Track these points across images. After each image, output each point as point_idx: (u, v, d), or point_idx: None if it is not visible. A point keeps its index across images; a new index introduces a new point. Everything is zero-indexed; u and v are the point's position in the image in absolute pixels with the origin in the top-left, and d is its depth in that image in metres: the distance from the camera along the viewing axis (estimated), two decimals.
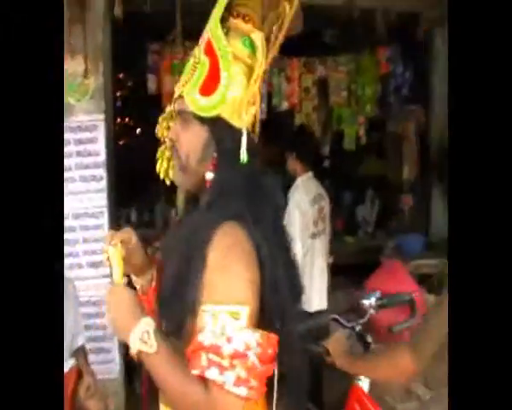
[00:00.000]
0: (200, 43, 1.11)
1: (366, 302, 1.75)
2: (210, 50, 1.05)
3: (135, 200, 3.91)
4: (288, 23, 1.10)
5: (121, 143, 4.46)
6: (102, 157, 2.96)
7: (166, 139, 1.24)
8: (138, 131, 4.83)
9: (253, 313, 0.93)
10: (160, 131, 2.21)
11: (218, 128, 1.03)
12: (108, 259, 1.05)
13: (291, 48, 3.52)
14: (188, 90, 1.04)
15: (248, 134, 1.07)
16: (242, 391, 0.87)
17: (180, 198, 2.10)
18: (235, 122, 1.05)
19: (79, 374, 1.99)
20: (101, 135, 2.95)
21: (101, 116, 2.95)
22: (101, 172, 2.96)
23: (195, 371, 0.88)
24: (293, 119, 3.73)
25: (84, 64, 2.88)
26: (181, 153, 1.07)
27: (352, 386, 1.70)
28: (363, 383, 1.67)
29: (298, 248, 2.68)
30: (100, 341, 2.92)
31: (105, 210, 2.98)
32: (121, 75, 3.99)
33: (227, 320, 0.89)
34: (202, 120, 1.03)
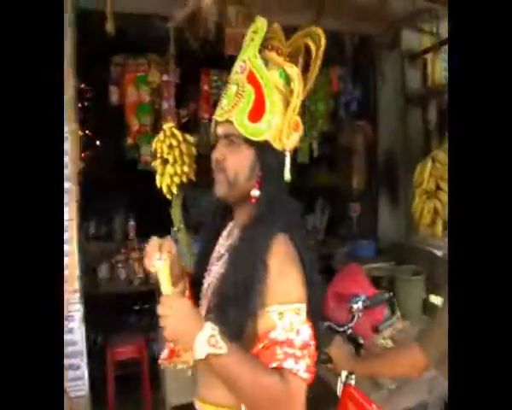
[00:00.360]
0: (236, 70, 1.22)
1: (355, 306, 1.93)
2: (253, 80, 1.17)
3: (94, 212, 3.83)
4: (320, 58, 1.25)
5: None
6: (71, 170, 2.90)
7: (213, 158, 1.23)
8: (98, 142, 4.74)
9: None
10: (160, 147, 2.29)
11: (263, 150, 1.16)
12: (157, 272, 1.12)
13: None
14: (236, 117, 1.15)
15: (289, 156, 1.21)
16: (309, 376, 1.02)
17: (176, 212, 2.20)
18: (277, 145, 1.18)
19: None
20: (69, 147, 2.89)
21: (72, 127, 2.90)
22: (69, 185, 2.90)
23: (273, 364, 1.00)
24: None
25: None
26: (229, 171, 1.18)
27: (344, 386, 1.84)
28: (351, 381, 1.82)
29: None
30: (69, 357, 2.85)
31: (74, 223, 2.93)
32: (82, 86, 3.90)
33: (293, 317, 1.03)
34: (250, 143, 1.16)
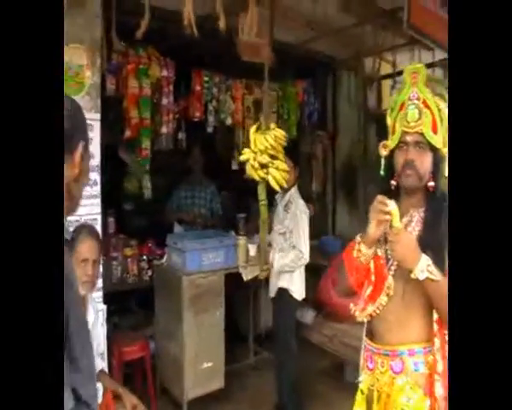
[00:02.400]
0: (409, 96, 1.57)
1: None
2: (426, 105, 1.55)
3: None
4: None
5: None
6: (97, 160, 2.74)
7: (405, 158, 1.55)
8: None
9: None
10: (270, 143, 2.47)
11: (436, 154, 1.55)
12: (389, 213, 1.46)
13: (234, 71, 3.91)
14: (425, 129, 1.52)
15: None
16: None
17: (262, 192, 2.51)
18: (443, 151, 1.56)
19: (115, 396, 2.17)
20: (96, 136, 2.73)
21: (97, 115, 2.74)
22: (96, 176, 2.74)
23: None
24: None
25: (85, 55, 2.65)
26: (420, 169, 1.53)
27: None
28: None
29: (307, 250, 3.10)
30: None
31: (99, 218, 2.76)
32: None
33: None
34: (431, 148, 1.54)
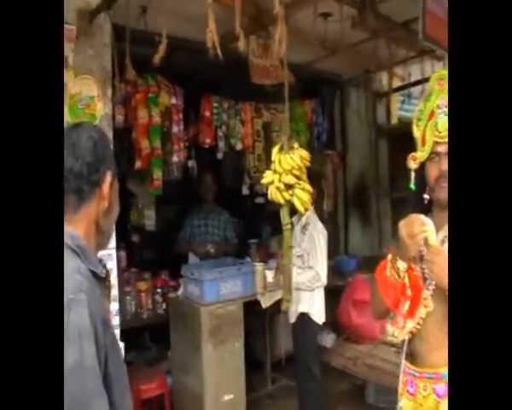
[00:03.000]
0: (437, 104, 1.52)
1: None
2: None
3: None
4: None
5: None
6: None
7: (440, 169, 1.50)
8: None
9: None
10: (298, 164, 2.41)
11: None
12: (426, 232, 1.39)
13: (243, 94, 3.87)
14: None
15: None
16: None
17: (286, 214, 2.41)
18: None
19: None
20: None
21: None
22: None
23: None
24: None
25: (95, 86, 2.60)
26: None
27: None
28: None
29: (325, 272, 3.04)
30: None
31: (113, 253, 2.70)
32: None
33: None
34: None
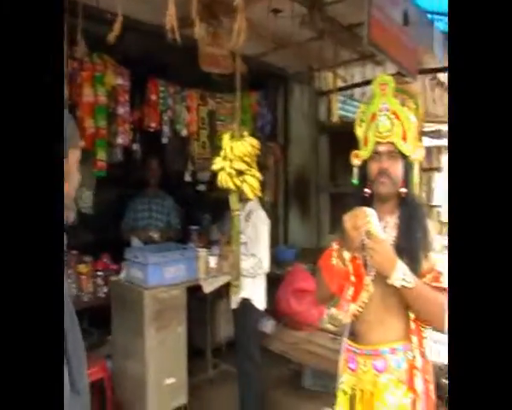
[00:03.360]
0: (379, 108, 1.65)
1: None
2: (397, 116, 1.63)
3: None
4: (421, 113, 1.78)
5: None
6: None
7: (379, 166, 1.64)
8: None
9: None
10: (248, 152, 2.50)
11: (406, 162, 1.65)
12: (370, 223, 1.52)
13: (189, 81, 3.90)
14: (396, 139, 1.61)
15: None
16: None
17: (235, 202, 2.51)
18: (412, 158, 1.66)
19: None
20: None
21: None
22: None
23: (441, 285, 1.51)
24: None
25: None
26: (394, 177, 1.62)
27: None
28: None
29: (268, 260, 3.14)
30: None
31: None
32: None
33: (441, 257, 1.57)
34: (402, 156, 1.63)
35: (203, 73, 3.60)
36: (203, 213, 4.88)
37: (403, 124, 1.61)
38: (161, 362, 3.09)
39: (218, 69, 3.50)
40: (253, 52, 4.04)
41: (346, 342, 1.73)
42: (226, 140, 2.65)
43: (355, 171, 1.72)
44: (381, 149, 1.61)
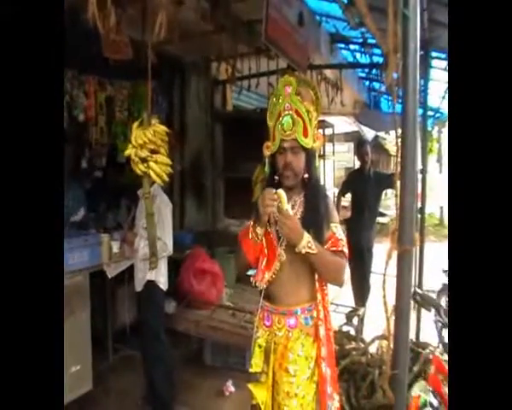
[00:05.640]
0: (284, 107, 1.87)
1: None
2: (299, 114, 1.87)
3: None
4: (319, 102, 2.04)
5: None
6: None
7: (284, 161, 1.89)
8: None
9: None
10: (151, 138, 2.61)
11: (308, 153, 1.93)
12: (279, 198, 1.77)
13: (86, 66, 3.84)
14: (298, 136, 1.86)
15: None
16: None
17: (146, 186, 2.64)
18: (313, 149, 1.96)
19: None
20: None
21: None
22: None
23: (341, 249, 1.85)
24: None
25: None
26: (297, 169, 1.89)
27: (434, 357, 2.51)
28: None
29: (171, 242, 3.24)
30: None
31: None
32: None
33: (339, 228, 1.93)
34: (304, 150, 1.90)
35: (100, 58, 3.56)
36: (100, 199, 4.79)
37: (304, 120, 1.83)
38: (66, 350, 3.04)
39: (119, 56, 3.50)
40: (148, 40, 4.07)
41: (262, 302, 1.97)
42: (134, 128, 2.74)
43: (267, 161, 1.95)
44: (286, 145, 1.85)
